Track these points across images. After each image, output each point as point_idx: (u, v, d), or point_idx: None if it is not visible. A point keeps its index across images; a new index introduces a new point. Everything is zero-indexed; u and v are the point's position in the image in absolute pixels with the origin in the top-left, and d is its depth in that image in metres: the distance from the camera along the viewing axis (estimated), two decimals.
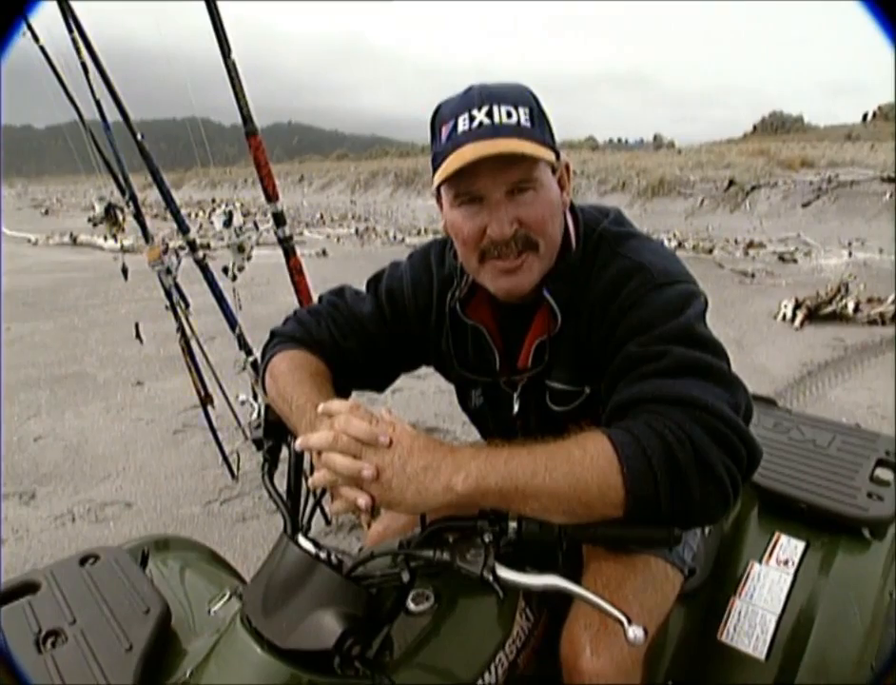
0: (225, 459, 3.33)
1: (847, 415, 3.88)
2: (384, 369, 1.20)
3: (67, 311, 7.61)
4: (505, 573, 0.73)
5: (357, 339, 1.13)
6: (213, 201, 26.21)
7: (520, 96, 0.93)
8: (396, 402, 4.37)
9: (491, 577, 0.72)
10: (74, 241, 14.78)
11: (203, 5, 1.67)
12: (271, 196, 1.72)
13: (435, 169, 0.93)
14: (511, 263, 0.94)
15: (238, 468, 3.34)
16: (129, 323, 6.65)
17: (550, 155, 0.92)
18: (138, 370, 5.21)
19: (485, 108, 0.89)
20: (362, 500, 0.75)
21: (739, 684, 1.19)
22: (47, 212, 28.40)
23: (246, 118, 1.72)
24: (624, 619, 0.64)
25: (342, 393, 1.19)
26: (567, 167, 1.00)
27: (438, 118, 0.95)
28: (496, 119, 0.88)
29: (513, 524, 0.75)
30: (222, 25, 1.62)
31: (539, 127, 0.92)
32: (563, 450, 0.76)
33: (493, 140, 0.87)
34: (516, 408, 1.09)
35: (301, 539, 0.84)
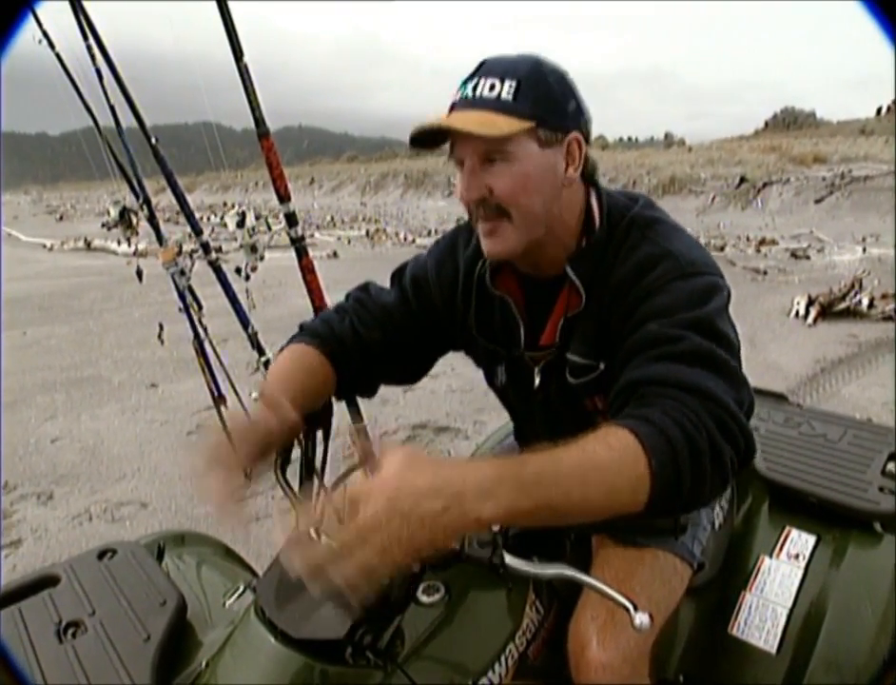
0: None
1: (860, 411, 3.85)
2: (412, 358, 1.20)
3: (82, 315, 7.71)
4: (513, 561, 0.74)
5: (381, 330, 1.14)
6: (224, 204, 26.39)
7: (513, 68, 0.94)
8: (407, 402, 4.40)
9: (500, 566, 0.73)
10: (88, 246, 14.95)
11: (214, 8, 1.69)
12: (283, 197, 1.74)
13: None
14: (487, 225, 0.98)
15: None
16: (143, 327, 6.75)
17: (516, 126, 0.91)
18: (152, 372, 5.27)
19: (474, 81, 0.94)
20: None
21: (750, 678, 1.20)
22: (61, 218, 28.73)
23: (259, 120, 1.74)
24: (630, 606, 0.65)
25: (370, 389, 1.21)
26: (577, 143, 0.97)
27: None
28: (478, 92, 0.93)
29: None
30: (234, 28, 1.64)
31: (525, 100, 0.92)
32: (591, 456, 0.72)
33: (465, 112, 0.92)
34: (537, 381, 1.09)
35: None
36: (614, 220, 1.02)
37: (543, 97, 0.93)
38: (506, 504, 0.66)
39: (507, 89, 0.91)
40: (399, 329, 1.15)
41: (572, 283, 1.01)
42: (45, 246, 15.73)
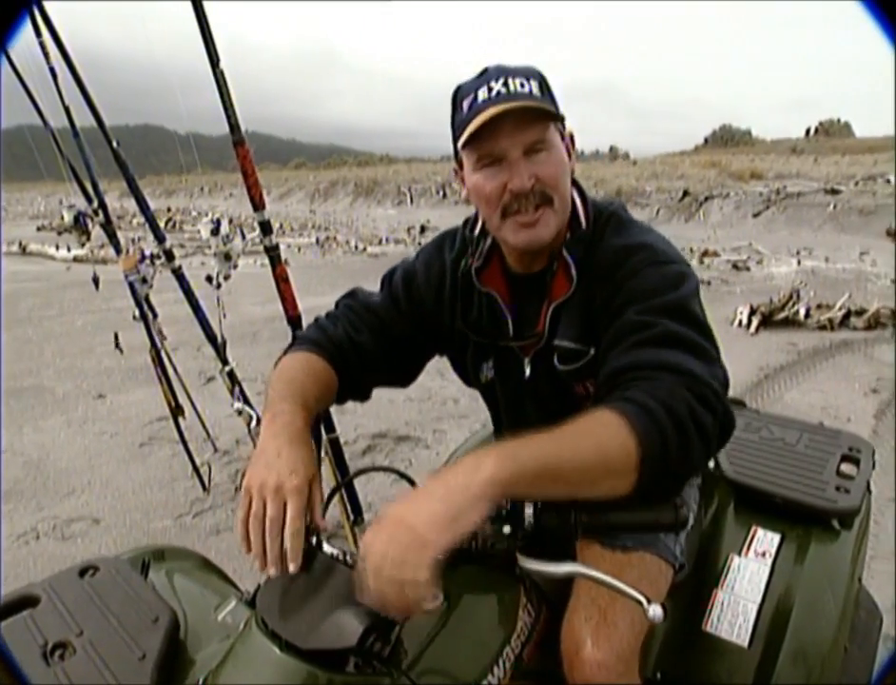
0: (196, 470, 3.28)
1: (803, 416, 4.03)
2: (404, 359, 1.23)
3: (19, 322, 7.35)
4: (526, 562, 0.76)
5: (370, 331, 1.17)
6: (169, 210, 25.66)
7: (530, 72, 1.03)
8: (366, 411, 4.36)
9: (517, 569, 0.75)
10: (24, 250, 14.28)
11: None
12: (258, 206, 1.72)
13: (456, 139, 1.03)
14: (529, 217, 1.03)
15: (209, 480, 3.30)
16: (87, 335, 6.50)
17: (558, 117, 1.02)
18: (99, 382, 5.07)
19: (501, 80, 1.00)
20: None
21: (724, 671, 1.25)
22: None
23: (234, 127, 1.72)
24: (643, 599, 0.68)
25: (364, 392, 1.23)
26: (572, 137, 1.09)
27: (458, 95, 1.05)
28: (512, 87, 0.99)
29: (528, 511, 0.78)
30: (210, 33, 1.61)
31: (547, 96, 1.03)
32: (580, 428, 0.79)
33: (509, 103, 0.97)
34: (527, 372, 1.13)
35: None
36: (597, 215, 1.11)
37: (552, 96, 1.04)
38: (511, 460, 0.72)
39: (535, 87, 1.00)
40: (390, 330, 1.19)
41: (563, 269, 1.07)
42: None
